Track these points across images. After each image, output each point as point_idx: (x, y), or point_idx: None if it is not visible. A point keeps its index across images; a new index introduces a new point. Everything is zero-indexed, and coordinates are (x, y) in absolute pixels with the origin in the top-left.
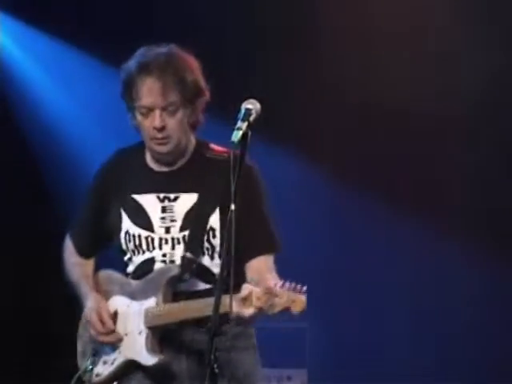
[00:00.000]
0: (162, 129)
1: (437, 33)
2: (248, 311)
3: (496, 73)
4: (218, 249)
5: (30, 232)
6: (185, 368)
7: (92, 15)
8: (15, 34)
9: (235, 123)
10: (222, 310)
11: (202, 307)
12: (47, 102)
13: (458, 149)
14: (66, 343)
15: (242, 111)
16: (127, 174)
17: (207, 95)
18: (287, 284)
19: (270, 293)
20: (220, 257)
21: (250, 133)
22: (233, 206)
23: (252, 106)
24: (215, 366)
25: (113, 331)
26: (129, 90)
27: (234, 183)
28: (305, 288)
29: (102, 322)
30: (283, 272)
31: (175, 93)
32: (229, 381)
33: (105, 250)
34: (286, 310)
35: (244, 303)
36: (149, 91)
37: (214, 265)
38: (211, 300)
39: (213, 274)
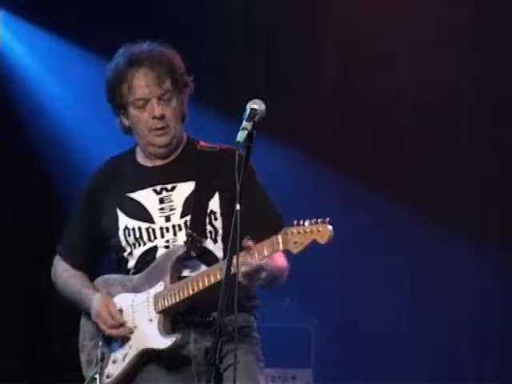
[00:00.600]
0: (161, 117)
1: (438, 32)
2: (255, 259)
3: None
4: (220, 232)
5: (32, 224)
6: (192, 353)
7: (94, 13)
8: (18, 31)
9: (240, 123)
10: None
11: (210, 273)
12: (50, 100)
13: (466, 148)
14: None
15: (247, 111)
16: (120, 176)
17: (191, 88)
18: (307, 220)
19: (286, 233)
20: (223, 240)
21: (255, 133)
22: (238, 207)
23: (257, 106)
24: (220, 365)
25: (122, 324)
26: (119, 87)
27: (240, 183)
28: (328, 219)
29: (111, 316)
30: (291, 271)
31: (168, 81)
32: (227, 370)
33: (99, 262)
34: (314, 243)
35: (251, 253)
36: (143, 82)
37: (217, 248)
38: (218, 265)
39: (216, 258)
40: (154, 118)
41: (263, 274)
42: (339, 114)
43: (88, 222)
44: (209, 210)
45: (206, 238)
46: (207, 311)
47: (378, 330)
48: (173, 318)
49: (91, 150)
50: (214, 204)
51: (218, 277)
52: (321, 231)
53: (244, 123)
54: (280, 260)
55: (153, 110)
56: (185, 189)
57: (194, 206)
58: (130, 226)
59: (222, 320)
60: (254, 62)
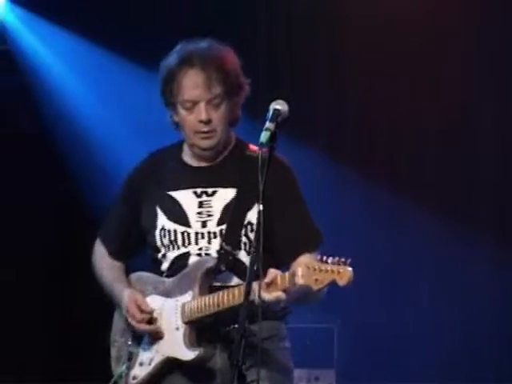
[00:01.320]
0: (207, 122)
1: (459, 32)
2: (270, 296)
3: None
4: (255, 244)
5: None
6: (218, 365)
7: (116, 12)
8: (39, 31)
9: (264, 124)
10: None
11: (237, 294)
12: (73, 100)
13: (488, 148)
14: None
15: (271, 112)
16: (163, 172)
17: (247, 90)
18: (330, 258)
19: (308, 268)
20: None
21: (277, 133)
22: (261, 207)
23: (280, 106)
24: (243, 367)
25: (151, 318)
26: (170, 86)
27: (262, 183)
28: (349, 260)
29: (141, 310)
30: None
31: (219, 85)
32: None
33: (136, 254)
34: (333, 283)
35: (267, 288)
36: (193, 84)
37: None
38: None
39: None
40: (200, 121)
41: (282, 304)
42: (362, 114)
43: (127, 215)
44: (246, 221)
45: (240, 249)
46: (234, 322)
47: (402, 331)
48: (199, 329)
49: (115, 149)
50: (253, 215)
51: (242, 298)
52: (341, 273)
53: (267, 124)
54: None
55: (199, 113)
56: (225, 195)
57: (232, 216)
58: (167, 228)
59: (245, 321)
60: (278, 62)
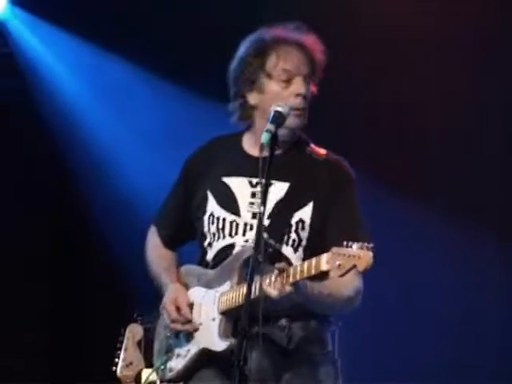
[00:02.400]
0: (305, 97)
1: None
2: (274, 292)
3: None
4: (304, 242)
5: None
6: (254, 362)
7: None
8: (43, 35)
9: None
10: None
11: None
12: (77, 107)
13: (488, 148)
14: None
15: (272, 114)
16: (220, 158)
17: (315, 90)
18: (355, 243)
19: (333, 253)
20: (304, 251)
21: (278, 135)
22: (262, 209)
23: (281, 108)
24: (244, 368)
25: (189, 320)
26: (263, 59)
27: (264, 185)
28: (371, 245)
29: (179, 310)
30: None
31: (310, 68)
32: None
33: (188, 242)
34: (353, 268)
35: (284, 275)
36: (293, 56)
37: (296, 257)
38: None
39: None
40: (297, 95)
41: (295, 297)
42: (363, 114)
43: (181, 201)
44: (298, 219)
45: (287, 245)
46: (275, 318)
47: (401, 331)
48: (235, 322)
49: (115, 150)
50: (306, 213)
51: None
52: (361, 258)
53: (268, 125)
54: (336, 287)
55: (298, 86)
56: (280, 189)
57: (283, 211)
58: (216, 214)
59: (247, 321)
60: None
